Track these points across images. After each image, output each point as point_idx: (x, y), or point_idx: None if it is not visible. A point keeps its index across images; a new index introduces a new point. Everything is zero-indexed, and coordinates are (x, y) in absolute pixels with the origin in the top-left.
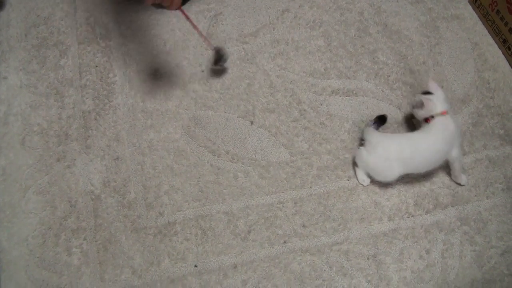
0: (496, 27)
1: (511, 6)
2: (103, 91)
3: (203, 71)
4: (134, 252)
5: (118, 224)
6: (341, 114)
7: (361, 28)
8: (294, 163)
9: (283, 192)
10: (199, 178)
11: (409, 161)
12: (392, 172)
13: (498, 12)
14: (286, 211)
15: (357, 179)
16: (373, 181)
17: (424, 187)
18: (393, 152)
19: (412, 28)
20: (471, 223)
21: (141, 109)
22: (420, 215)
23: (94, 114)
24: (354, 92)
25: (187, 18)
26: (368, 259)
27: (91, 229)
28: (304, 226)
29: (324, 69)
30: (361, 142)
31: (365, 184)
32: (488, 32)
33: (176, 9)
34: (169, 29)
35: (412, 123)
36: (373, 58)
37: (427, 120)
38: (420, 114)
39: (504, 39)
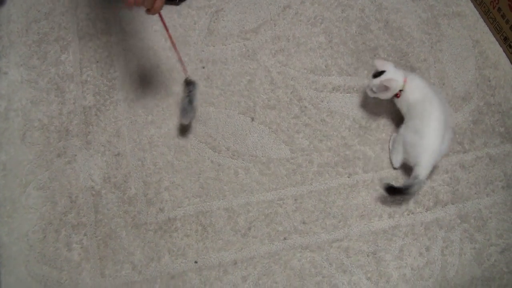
0: (497, 25)
1: None
2: (104, 86)
3: (203, 67)
4: (134, 248)
5: (119, 220)
6: (342, 111)
7: (362, 25)
8: (295, 159)
9: (283, 189)
10: (200, 174)
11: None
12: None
13: (499, 9)
14: (286, 207)
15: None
16: (373, 179)
17: (424, 185)
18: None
19: (413, 25)
20: (471, 220)
21: (142, 105)
22: (420, 212)
23: (94, 110)
24: (355, 89)
25: (165, 26)
26: (368, 256)
27: (91, 224)
28: (304, 222)
29: (325, 66)
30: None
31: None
32: (489, 29)
33: (154, 14)
34: (170, 25)
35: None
36: (374, 55)
37: (397, 95)
38: (387, 95)
39: (505, 37)
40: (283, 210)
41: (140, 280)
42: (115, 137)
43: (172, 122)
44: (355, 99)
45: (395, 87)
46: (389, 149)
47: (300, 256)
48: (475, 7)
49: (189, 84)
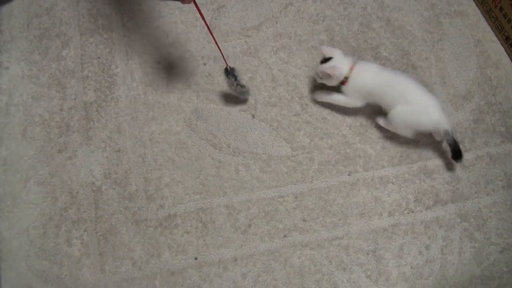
0: (499, 24)
1: None
2: (105, 82)
3: (205, 64)
4: (134, 244)
5: (119, 216)
6: (342, 109)
7: (364, 23)
8: (295, 157)
9: (284, 186)
10: (200, 171)
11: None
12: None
13: (501, 9)
14: (286, 205)
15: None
16: (373, 177)
17: (425, 183)
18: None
19: (415, 24)
20: (471, 219)
21: (143, 101)
22: (420, 211)
23: (95, 106)
24: None
25: (200, 14)
26: (367, 254)
27: (91, 220)
28: (304, 220)
29: None
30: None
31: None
32: (491, 29)
33: (189, 3)
34: (172, 21)
35: None
36: (376, 53)
37: (342, 82)
38: (332, 82)
39: (507, 36)
40: (283, 208)
41: (140, 276)
42: (116, 133)
43: (173, 119)
44: None
45: (338, 74)
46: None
47: (300, 253)
48: (477, 6)
49: (231, 71)
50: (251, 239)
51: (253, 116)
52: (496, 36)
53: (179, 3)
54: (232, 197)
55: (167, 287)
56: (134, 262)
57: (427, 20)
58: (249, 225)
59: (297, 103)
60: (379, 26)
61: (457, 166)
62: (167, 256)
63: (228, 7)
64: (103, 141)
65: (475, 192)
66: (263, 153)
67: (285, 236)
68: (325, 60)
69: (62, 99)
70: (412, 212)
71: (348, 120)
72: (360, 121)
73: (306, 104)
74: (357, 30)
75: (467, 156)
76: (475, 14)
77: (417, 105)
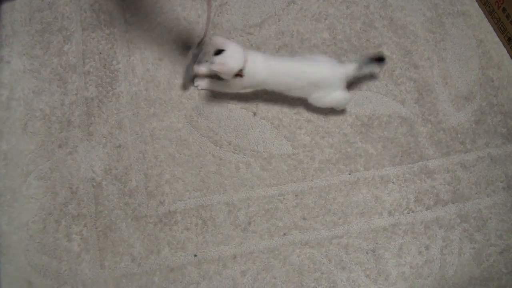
0: (502, 25)
1: None
2: (107, 78)
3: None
4: (134, 240)
5: (119, 211)
6: (344, 108)
7: (366, 22)
8: (296, 155)
9: (284, 185)
10: (201, 168)
11: None
12: None
13: (504, 10)
14: (286, 203)
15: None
16: (374, 177)
17: (425, 183)
18: None
19: (418, 23)
20: (471, 220)
21: (144, 97)
22: (420, 211)
23: (97, 101)
24: (358, 86)
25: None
26: (367, 253)
27: (91, 216)
28: (304, 218)
29: None
30: None
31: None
32: (494, 29)
33: None
34: (174, 17)
35: None
36: (378, 53)
37: (240, 75)
38: (227, 76)
39: (509, 38)
40: (283, 206)
41: (139, 272)
42: (117, 129)
43: (174, 115)
44: (358, 96)
45: (231, 68)
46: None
47: (300, 252)
48: (479, 6)
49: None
50: (251, 237)
51: (254, 114)
52: (499, 37)
53: (182, 0)
54: (232, 195)
55: (166, 284)
56: (133, 258)
57: (430, 20)
58: (249, 223)
59: (299, 101)
60: (382, 25)
61: (458, 167)
62: (166, 253)
63: (231, 4)
64: (104, 137)
65: (476, 193)
66: (264, 151)
67: (285, 234)
68: (218, 52)
69: (64, 94)
70: (412, 212)
71: (349, 119)
72: (361, 120)
73: (308, 103)
74: (360, 29)
75: (467, 157)
76: (477, 14)
77: (322, 89)
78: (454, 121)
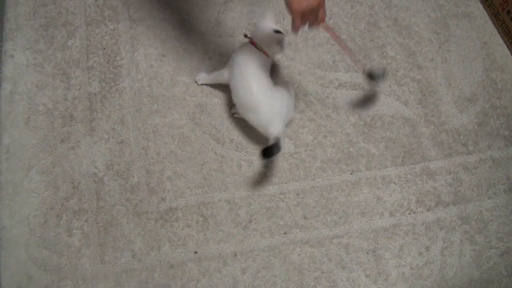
0: (506, 27)
1: None
2: (110, 74)
3: (210, 59)
4: (135, 236)
5: (120, 207)
6: (347, 107)
7: (371, 22)
8: (298, 154)
9: (285, 183)
10: (203, 165)
11: None
12: None
13: (508, 12)
14: (288, 202)
15: None
16: (375, 177)
17: (427, 185)
18: None
19: (422, 24)
20: (472, 222)
21: (147, 93)
22: (422, 212)
23: (100, 97)
24: (361, 86)
25: (335, 38)
26: (367, 253)
27: (92, 211)
28: (305, 217)
29: (332, 62)
30: None
31: None
32: (498, 32)
33: (319, 26)
34: (178, 14)
35: None
36: (382, 53)
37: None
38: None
39: None
40: (284, 204)
41: (140, 268)
42: (119, 125)
43: (177, 112)
44: (361, 96)
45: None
46: None
47: (300, 250)
48: (484, 8)
49: (370, 72)
50: (252, 235)
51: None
52: (503, 39)
53: None
54: (233, 192)
55: (166, 280)
56: (134, 254)
57: (434, 21)
58: (250, 221)
59: (302, 100)
60: (386, 25)
61: (460, 168)
62: (167, 249)
63: (235, 2)
64: (106, 132)
65: (477, 195)
66: None
67: (285, 232)
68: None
69: (67, 89)
70: (414, 212)
71: (352, 119)
72: (364, 120)
73: (310, 102)
74: (364, 29)
75: (470, 159)
76: (482, 16)
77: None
78: (456, 122)
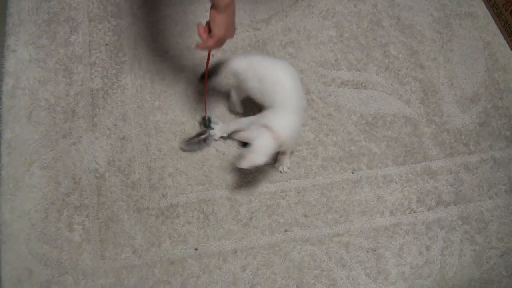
0: (509, 28)
1: None
2: (112, 70)
3: (213, 56)
4: (135, 232)
5: (121, 203)
6: (349, 106)
7: (374, 21)
8: (299, 152)
9: (286, 181)
10: (204, 162)
11: None
12: None
13: (511, 12)
14: (288, 200)
15: None
16: (376, 176)
17: (428, 184)
18: None
19: (425, 24)
20: (473, 222)
21: (149, 90)
22: (422, 211)
23: (102, 93)
24: (364, 84)
25: (207, 61)
26: (367, 252)
27: (93, 206)
28: (306, 216)
29: (334, 60)
30: None
31: None
32: (501, 32)
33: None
34: (181, 10)
35: None
36: (384, 52)
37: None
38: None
39: None
40: (285, 202)
41: (140, 264)
42: (121, 121)
43: (179, 109)
44: (363, 94)
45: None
46: None
47: (300, 248)
48: (487, 8)
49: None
50: (252, 232)
51: (259, 110)
52: (505, 39)
53: None
54: (234, 190)
55: (167, 276)
56: (134, 250)
57: (437, 20)
58: (251, 218)
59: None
60: (389, 24)
61: (461, 168)
62: (167, 245)
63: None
64: (108, 128)
65: (478, 195)
66: None
67: (286, 230)
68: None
69: (69, 85)
70: (414, 212)
71: (354, 117)
72: (366, 119)
73: (312, 100)
74: (367, 28)
75: (471, 159)
76: (485, 16)
77: None
78: (458, 122)
